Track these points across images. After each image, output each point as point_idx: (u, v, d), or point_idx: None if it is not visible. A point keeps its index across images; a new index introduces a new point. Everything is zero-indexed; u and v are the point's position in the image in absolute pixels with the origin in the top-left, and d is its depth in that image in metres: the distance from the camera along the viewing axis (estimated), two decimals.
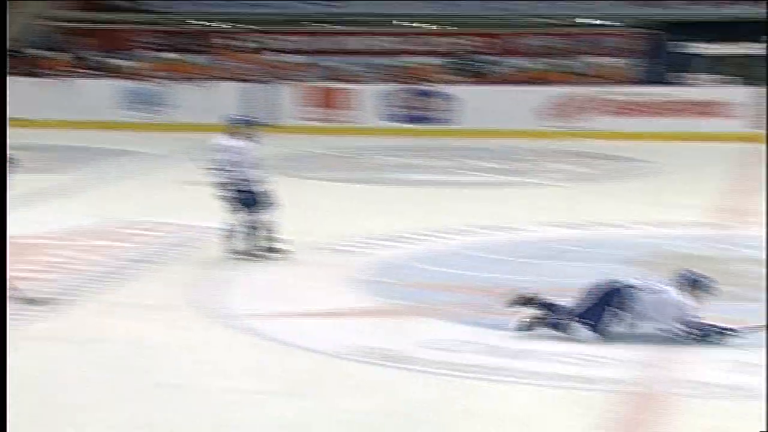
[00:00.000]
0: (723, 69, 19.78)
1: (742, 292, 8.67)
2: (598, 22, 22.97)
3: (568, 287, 8.21)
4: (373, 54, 23.29)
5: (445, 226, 11.44)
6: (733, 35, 19.93)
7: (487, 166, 17.12)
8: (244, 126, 10.21)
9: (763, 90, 18.52)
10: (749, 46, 19.16)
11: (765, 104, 18.36)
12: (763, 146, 17.43)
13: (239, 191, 9.85)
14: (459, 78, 22.05)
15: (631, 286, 7.42)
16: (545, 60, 21.98)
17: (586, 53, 21.97)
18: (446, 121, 20.99)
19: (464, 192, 14.68)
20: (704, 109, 18.92)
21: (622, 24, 22.49)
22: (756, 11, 20.66)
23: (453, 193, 14.47)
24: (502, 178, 15.99)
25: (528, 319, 7.52)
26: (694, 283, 7.42)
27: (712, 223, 11.66)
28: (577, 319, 7.41)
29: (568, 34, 22.75)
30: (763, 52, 18.78)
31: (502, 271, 9.46)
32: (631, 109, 19.38)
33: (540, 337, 7.40)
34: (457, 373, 6.74)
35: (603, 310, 7.39)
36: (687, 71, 19.65)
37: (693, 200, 13.06)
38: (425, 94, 21.39)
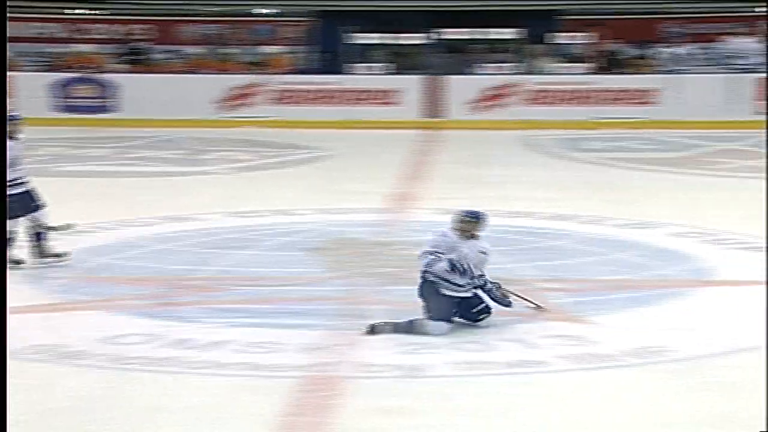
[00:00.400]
0: (394, 58, 20.50)
1: (414, 276, 9.12)
2: (271, 11, 23.27)
3: (254, 276, 8.39)
4: (31, 41, 22.56)
5: (117, 217, 11.37)
6: (403, 25, 20.72)
7: (157, 155, 17.06)
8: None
9: (429, 78, 19.35)
10: (417, 36, 19.95)
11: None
12: (432, 133, 18.31)
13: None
14: (123, 66, 21.76)
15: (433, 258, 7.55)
16: (218, 49, 22.05)
17: (259, 43, 22.26)
18: (109, 110, 20.65)
19: (136, 182, 14.62)
20: (377, 97, 19.55)
21: (296, 13, 22.90)
22: (427, 3, 21.75)
23: (124, 183, 14.39)
24: (173, 168, 15.95)
25: (379, 324, 7.57)
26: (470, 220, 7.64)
27: (385, 209, 12.14)
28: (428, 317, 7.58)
29: (242, 23, 22.93)
30: (425, 41, 19.63)
31: (184, 262, 9.54)
32: (305, 98, 19.76)
33: (232, 327, 7.56)
34: (133, 366, 6.78)
35: (440, 300, 7.56)
36: (360, 60, 20.23)
37: (366, 187, 13.51)
38: (87, 82, 20.95)
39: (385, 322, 7.54)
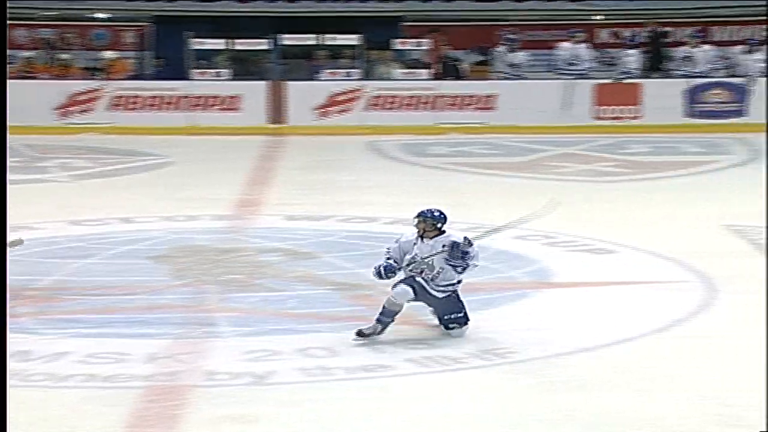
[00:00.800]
0: (237, 64, 20.35)
1: (263, 283, 9.12)
2: (109, 15, 22.85)
3: (96, 285, 8.24)
4: None
5: None
6: (245, 31, 20.59)
7: None
8: None
9: (273, 84, 19.29)
10: (260, 42, 19.84)
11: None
12: (276, 139, 18.26)
13: None
14: None
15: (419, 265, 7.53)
16: (56, 53, 21.53)
17: (98, 48, 21.83)
18: None
19: None
20: (220, 103, 19.37)
21: (136, 18, 22.55)
22: (270, 9, 21.70)
23: None
24: (10, 176, 15.31)
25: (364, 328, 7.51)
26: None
27: (230, 216, 12.05)
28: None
29: (80, 27, 22.45)
30: (268, 47, 19.55)
31: (22, 273, 9.27)
32: (147, 104, 19.44)
33: (74, 337, 7.41)
34: None
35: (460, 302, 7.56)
36: (203, 66, 20.02)
37: (211, 193, 13.38)
38: None
39: (369, 326, 7.52)
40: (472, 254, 7.54)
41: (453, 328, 7.61)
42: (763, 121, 18.38)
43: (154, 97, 19.26)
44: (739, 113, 18.84)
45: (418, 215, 7.65)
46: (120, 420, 6.03)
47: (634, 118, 18.86)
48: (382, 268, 7.61)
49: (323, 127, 18.86)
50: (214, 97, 19.19)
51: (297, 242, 10.60)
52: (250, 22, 21.24)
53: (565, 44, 19.26)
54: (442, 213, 7.67)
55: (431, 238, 7.57)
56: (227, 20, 21.86)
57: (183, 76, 19.24)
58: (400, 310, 7.54)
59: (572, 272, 9.50)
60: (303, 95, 19.21)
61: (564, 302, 8.66)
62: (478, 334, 7.69)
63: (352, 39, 19.26)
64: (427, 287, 7.54)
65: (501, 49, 19.44)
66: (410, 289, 7.48)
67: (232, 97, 19.13)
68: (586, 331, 7.81)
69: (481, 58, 21.42)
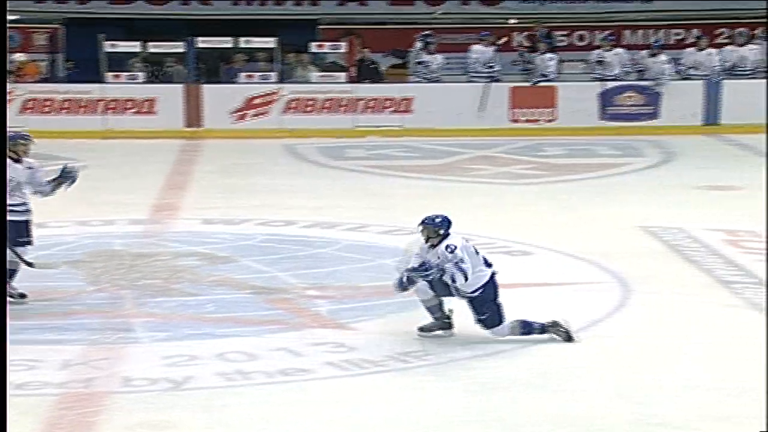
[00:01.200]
0: (152, 67, 20.15)
1: (180, 287, 9.05)
2: (19, 17, 22.51)
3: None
4: None
5: None
6: (160, 33, 20.40)
7: None
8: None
9: (189, 87, 19.14)
10: (175, 44, 19.66)
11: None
12: (193, 142, 18.13)
13: None
14: None
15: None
16: None
17: (10, 50, 21.47)
18: None
19: None
20: (136, 106, 19.16)
21: (48, 20, 22.25)
22: (185, 12, 21.55)
23: None
24: None
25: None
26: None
27: (147, 220, 11.93)
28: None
29: None
30: (184, 50, 19.40)
31: None
32: (60, 108, 19.18)
33: None
34: None
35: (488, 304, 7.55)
36: (118, 69, 19.78)
37: (127, 198, 13.22)
38: None
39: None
40: (456, 259, 7.48)
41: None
42: (675, 123, 18.81)
43: (68, 100, 18.99)
44: (652, 116, 19.13)
45: (421, 223, 7.63)
46: (34, 428, 5.94)
47: (550, 120, 19.05)
48: (405, 279, 7.63)
49: (240, 130, 18.76)
50: (130, 100, 18.97)
51: (215, 246, 10.53)
52: (164, 25, 21.07)
53: (477, 47, 19.38)
54: (444, 218, 7.62)
55: (435, 246, 7.56)
56: (141, 22, 21.67)
57: (97, 79, 18.99)
58: (437, 303, 7.64)
59: None
60: (219, 98, 19.09)
61: None
62: (397, 337, 7.71)
63: (268, 42, 19.18)
64: (451, 289, 7.61)
65: (416, 50, 19.45)
66: (426, 286, 7.58)
67: (147, 101, 18.94)
68: None
69: (398, 61, 21.51)
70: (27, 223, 8.59)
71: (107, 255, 10.12)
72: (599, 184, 14.48)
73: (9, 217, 8.14)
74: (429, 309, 7.73)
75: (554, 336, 7.61)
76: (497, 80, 19.19)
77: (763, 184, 12.59)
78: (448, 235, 7.59)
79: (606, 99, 19.11)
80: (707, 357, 7.36)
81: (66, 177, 8.87)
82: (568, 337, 7.58)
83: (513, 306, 8.45)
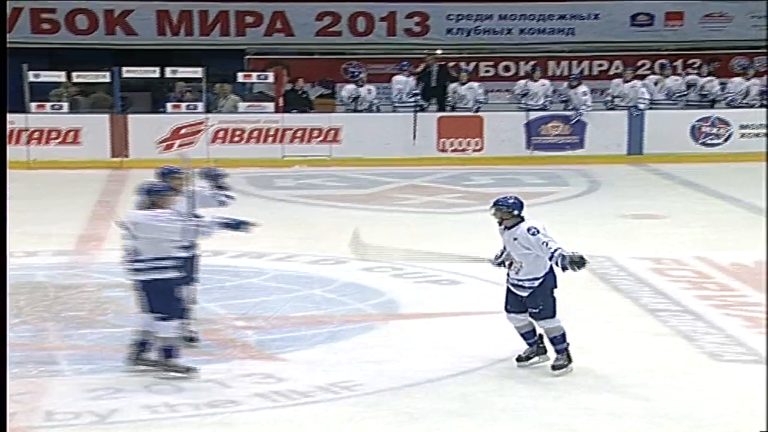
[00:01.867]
0: (78, 97, 19.97)
1: (106, 319, 8.94)
2: None
3: None
4: None
5: None
6: (86, 63, 20.24)
7: None
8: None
9: (115, 117, 19.02)
10: (101, 74, 19.50)
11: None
12: (119, 172, 17.97)
13: None
14: None
15: None
16: None
17: None
18: None
19: None
20: (61, 136, 18.95)
21: None
22: (111, 42, 21.42)
23: None
24: None
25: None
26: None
27: (72, 251, 11.78)
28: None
29: None
30: (110, 80, 19.26)
31: None
32: None
33: None
34: None
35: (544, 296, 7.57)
36: (43, 99, 19.57)
37: (52, 229, 13.05)
38: None
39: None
40: (543, 240, 7.43)
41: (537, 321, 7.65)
42: (600, 153, 19.06)
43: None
44: (577, 145, 19.35)
45: (493, 205, 7.59)
46: None
47: (477, 150, 19.18)
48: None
49: (167, 160, 18.56)
50: (54, 130, 18.77)
51: None
52: (90, 55, 20.89)
53: (399, 77, 19.50)
54: (517, 199, 7.62)
55: (509, 228, 7.51)
56: (65, 52, 21.45)
57: (21, 109, 18.76)
58: (525, 326, 7.66)
59: (419, 303, 9.57)
60: (146, 128, 18.97)
61: (411, 334, 8.70)
62: (326, 367, 7.68)
63: (195, 72, 19.10)
64: (515, 291, 7.60)
65: (346, 82, 19.52)
66: (505, 311, 7.67)
67: (72, 131, 18.75)
68: (433, 361, 7.86)
69: (325, 91, 21.54)
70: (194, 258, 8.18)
71: (31, 287, 9.98)
72: (526, 213, 14.54)
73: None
74: (524, 335, 7.70)
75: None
76: (423, 109, 19.32)
77: (695, 211, 12.78)
78: (522, 218, 7.55)
79: (532, 129, 19.30)
80: (635, 385, 7.41)
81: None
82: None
83: (441, 335, 8.49)
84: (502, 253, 7.70)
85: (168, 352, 7.39)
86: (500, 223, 7.60)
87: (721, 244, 11.88)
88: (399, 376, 7.51)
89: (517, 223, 7.52)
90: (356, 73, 19.74)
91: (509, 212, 7.54)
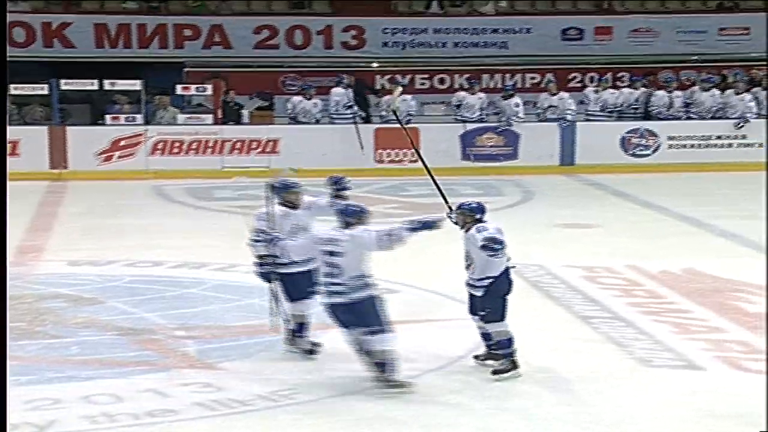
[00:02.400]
0: (16, 108, 19.86)
1: (45, 330, 8.96)
2: None
3: None
4: None
5: None
6: (23, 75, 20.15)
7: None
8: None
9: (54, 129, 18.95)
10: (39, 86, 19.42)
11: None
12: (59, 184, 17.90)
13: None
14: None
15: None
16: None
17: None
18: None
19: None
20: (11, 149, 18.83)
21: None
22: (49, 55, 21.37)
23: None
24: None
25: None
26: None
27: (12, 262, 11.72)
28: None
29: None
30: (48, 92, 19.22)
31: None
32: None
33: None
34: None
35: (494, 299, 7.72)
36: None
37: None
38: None
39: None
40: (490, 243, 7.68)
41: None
42: (533, 163, 19.36)
43: None
44: (511, 156, 19.62)
45: (457, 208, 7.96)
46: None
47: (414, 161, 19.34)
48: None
49: (106, 172, 18.63)
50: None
51: (80, 288, 10.46)
52: (28, 67, 20.79)
53: (337, 89, 19.67)
54: (479, 204, 8.01)
55: (468, 231, 7.82)
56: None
57: None
58: (510, 336, 7.79)
59: None
60: (85, 140, 18.95)
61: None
62: (266, 376, 7.77)
63: (134, 84, 19.11)
64: (471, 291, 7.88)
65: (285, 94, 19.63)
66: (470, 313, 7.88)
67: (10, 143, 18.65)
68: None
69: (263, 103, 21.63)
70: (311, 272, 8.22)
71: None
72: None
73: (291, 270, 8.16)
74: (500, 344, 7.83)
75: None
76: (365, 120, 19.50)
77: (625, 221, 12.98)
78: (481, 220, 7.87)
79: (467, 140, 19.54)
80: (569, 391, 7.58)
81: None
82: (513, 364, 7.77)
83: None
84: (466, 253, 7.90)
85: (382, 366, 7.43)
86: (462, 226, 7.87)
87: (651, 253, 12.13)
88: (339, 384, 7.62)
89: (474, 225, 7.80)
90: (306, 86, 19.88)
91: (470, 215, 7.90)
